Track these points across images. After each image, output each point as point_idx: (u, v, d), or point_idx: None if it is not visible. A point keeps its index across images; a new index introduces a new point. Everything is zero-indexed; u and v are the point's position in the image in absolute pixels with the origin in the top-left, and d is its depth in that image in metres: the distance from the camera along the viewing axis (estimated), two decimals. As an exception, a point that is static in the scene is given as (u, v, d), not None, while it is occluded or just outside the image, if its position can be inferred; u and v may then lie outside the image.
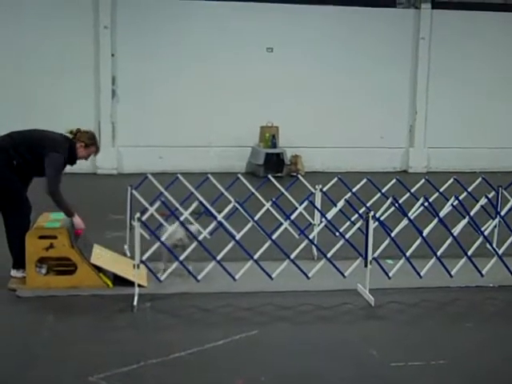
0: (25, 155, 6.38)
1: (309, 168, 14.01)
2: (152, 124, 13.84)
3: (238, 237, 6.38)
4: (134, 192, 7.37)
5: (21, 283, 6.29)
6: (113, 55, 13.64)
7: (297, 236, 7.00)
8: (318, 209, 7.15)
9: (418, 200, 7.36)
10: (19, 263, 6.38)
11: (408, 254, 6.49)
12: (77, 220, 6.46)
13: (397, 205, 6.87)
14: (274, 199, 6.74)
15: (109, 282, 6.32)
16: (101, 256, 6.60)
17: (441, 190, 7.89)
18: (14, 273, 6.45)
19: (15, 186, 6.44)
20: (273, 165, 13.57)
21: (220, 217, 6.57)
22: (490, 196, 7.29)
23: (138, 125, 13.87)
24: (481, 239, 6.72)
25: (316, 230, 7.05)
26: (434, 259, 6.52)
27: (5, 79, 13.22)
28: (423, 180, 8.00)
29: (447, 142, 14.82)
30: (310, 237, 6.65)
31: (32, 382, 4.52)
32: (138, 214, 5.98)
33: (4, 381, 4.53)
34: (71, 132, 6.64)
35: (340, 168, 13.37)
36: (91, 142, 6.70)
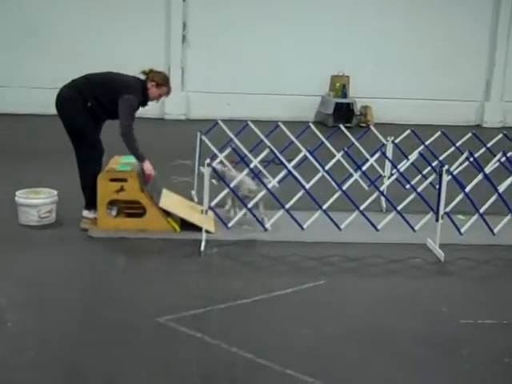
0: (99, 97, 6.41)
1: (378, 119, 13.74)
2: (221, 70, 13.78)
3: (307, 186, 6.30)
4: (204, 138, 7.35)
5: (92, 224, 6.40)
6: (184, 0, 13.54)
7: (366, 188, 6.89)
8: (390, 160, 6.99)
9: (493, 155, 7.10)
10: (91, 204, 6.48)
11: (482, 210, 6.29)
12: (147, 165, 6.49)
13: (472, 159, 6.63)
14: (346, 149, 6.59)
15: (176, 227, 6.37)
16: (169, 200, 6.64)
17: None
18: (86, 213, 6.56)
19: (89, 128, 6.50)
20: (342, 115, 13.36)
21: (290, 165, 6.48)
22: None
23: (207, 71, 13.83)
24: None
25: (387, 181, 6.90)
26: (509, 216, 6.31)
27: (76, 24, 13.33)
28: (501, 135, 7.71)
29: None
30: (381, 189, 6.51)
31: (102, 322, 4.61)
32: (207, 160, 5.97)
33: (76, 320, 4.64)
34: (144, 72, 6.64)
35: (410, 120, 13.02)
36: (163, 82, 6.67)
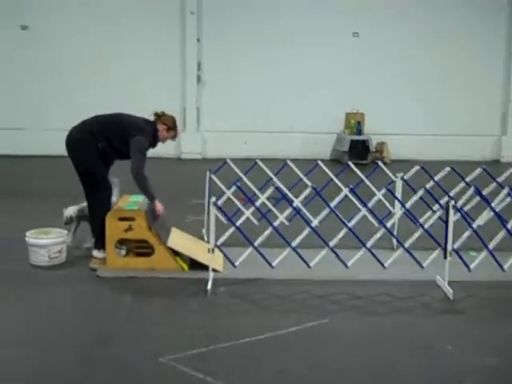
0: (110, 139, 6.53)
1: (395, 156, 13.73)
2: (236, 109, 13.92)
3: (313, 223, 6.31)
4: (213, 176, 7.42)
5: (101, 263, 6.46)
6: (198, 40, 13.78)
7: (376, 225, 6.87)
8: (396, 197, 6.98)
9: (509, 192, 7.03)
10: (100, 244, 6.55)
11: (491, 246, 6.24)
12: (157, 205, 6.56)
13: (479, 194, 6.59)
14: (351, 186, 6.61)
15: (184, 266, 6.40)
16: (178, 239, 6.69)
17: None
18: (95, 253, 6.63)
19: (99, 169, 6.61)
20: (358, 152, 13.39)
21: (297, 202, 6.50)
22: None
23: (223, 110, 13.98)
24: None
25: (394, 218, 6.88)
26: (518, 253, 6.25)
27: (93, 65, 13.58)
28: (511, 169, 7.66)
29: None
30: (388, 225, 6.50)
31: (105, 360, 4.63)
32: (213, 199, 6.02)
33: (80, 356, 4.67)
34: (156, 113, 6.77)
35: (427, 156, 12.96)
36: (173, 126, 6.82)
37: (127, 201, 6.74)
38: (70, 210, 6.87)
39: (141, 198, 6.71)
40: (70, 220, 6.86)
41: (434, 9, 14.01)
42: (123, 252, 6.44)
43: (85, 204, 6.81)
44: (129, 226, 6.32)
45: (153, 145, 6.76)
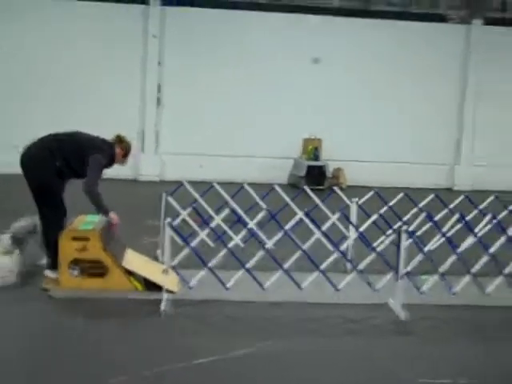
0: (68, 157, 6.51)
1: (352, 182, 13.91)
2: (195, 133, 13.99)
3: (268, 245, 6.35)
4: (169, 198, 7.42)
5: (54, 283, 6.37)
6: (159, 63, 13.84)
7: (331, 248, 6.94)
8: (350, 221, 7.08)
9: (460, 217, 7.20)
10: (54, 264, 6.47)
11: (442, 269, 6.35)
12: (113, 215, 6.57)
13: (431, 220, 6.73)
14: (306, 210, 6.69)
15: (139, 286, 6.36)
16: (133, 260, 6.65)
17: (480, 207, 7.73)
18: (48, 273, 6.55)
19: (55, 188, 6.57)
20: (314, 177, 13.56)
21: (252, 224, 6.54)
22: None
23: (182, 133, 14.01)
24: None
25: (347, 242, 6.97)
26: (468, 276, 6.37)
27: (53, 83, 13.51)
28: (462, 197, 7.85)
29: (495, 160, 14.51)
30: (342, 249, 6.57)
31: (55, 380, 4.56)
32: (168, 219, 6.02)
33: (30, 376, 4.59)
34: (118, 137, 6.81)
35: (383, 183, 13.12)
36: (128, 152, 6.86)
37: (82, 221, 6.69)
38: (4, 241, 6.57)
39: (97, 218, 6.67)
40: (6, 252, 6.53)
41: (393, 39, 14.34)
42: (76, 272, 6.37)
43: (20, 224, 6.69)
44: (83, 246, 6.26)
45: (108, 165, 6.76)
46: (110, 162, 6.77)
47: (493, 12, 14.74)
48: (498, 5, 14.78)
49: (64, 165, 6.51)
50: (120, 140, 6.83)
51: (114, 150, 6.76)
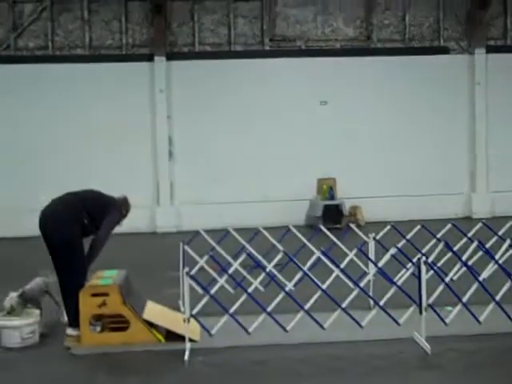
0: (94, 214, 6.60)
1: (370, 218, 13.86)
2: (209, 181, 14.07)
3: (287, 288, 6.32)
4: (186, 247, 7.43)
5: (76, 341, 6.36)
6: (169, 117, 14.02)
7: (351, 286, 6.89)
8: (367, 257, 7.04)
9: (479, 245, 7.13)
10: (74, 321, 6.46)
11: (465, 299, 6.27)
12: None
13: (449, 249, 6.68)
14: (323, 249, 6.67)
15: (161, 338, 6.33)
16: (153, 311, 6.64)
17: (500, 233, 7.66)
18: (69, 331, 6.54)
19: (81, 246, 6.64)
20: (331, 216, 13.53)
21: (270, 267, 6.53)
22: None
23: (195, 183, 14.11)
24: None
25: (367, 278, 6.92)
26: (492, 304, 6.28)
27: (67, 143, 13.73)
28: (480, 224, 7.79)
29: (510, 185, 14.43)
30: (362, 285, 6.52)
31: None
32: (186, 269, 6.02)
33: None
34: (125, 198, 6.97)
35: (401, 217, 13.04)
36: (128, 213, 7.07)
37: (101, 276, 6.70)
38: (11, 299, 6.59)
39: (115, 273, 6.69)
40: (11, 309, 6.53)
41: (398, 75, 14.46)
42: (98, 328, 6.36)
43: (28, 287, 6.73)
44: (103, 302, 6.26)
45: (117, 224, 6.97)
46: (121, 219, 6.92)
47: (494, 40, 14.82)
48: (499, 33, 14.86)
49: (90, 222, 6.59)
50: (126, 202, 7.01)
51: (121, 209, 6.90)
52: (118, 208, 6.81)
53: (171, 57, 14.12)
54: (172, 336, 6.34)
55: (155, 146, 14.06)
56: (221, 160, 14.15)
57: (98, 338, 6.30)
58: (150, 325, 6.37)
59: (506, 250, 7.03)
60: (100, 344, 6.23)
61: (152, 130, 14.04)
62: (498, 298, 6.27)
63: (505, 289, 6.31)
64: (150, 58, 14.07)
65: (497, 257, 6.81)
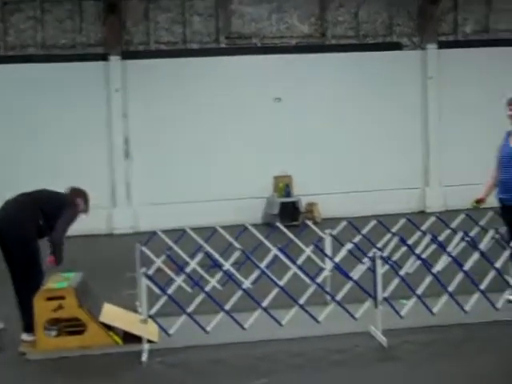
0: (48, 215, 6.50)
1: (326, 215, 13.95)
2: (166, 182, 13.97)
3: (245, 286, 6.34)
4: (143, 248, 7.39)
5: (31, 346, 6.28)
6: (124, 116, 13.91)
7: (308, 281, 6.94)
8: (324, 252, 7.10)
9: (433, 238, 7.25)
10: (30, 326, 6.36)
11: (419, 292, 6.37)
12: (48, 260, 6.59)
13: (404, 243, 6.78)
14: (279, 246, 6.71)
15: (118, 340, 6.29)
16: (110, 314, 6.59)
17: (452, 226, 7.80)
18: (25, 336, 6.44)
19: (37, 248, 6.52)
20: (288, 214, 13.58)
21: (227, 266, 6.54)
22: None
23: (152, 183, 14.00)
24: (493, 273, 6.57)
25: (323, 273, 6.98)
26: (446, 296, 6.40)
27: (21, 143, 13.51)
28: (433, 218, 7.92)
29: (463, 179, 14.66)
30: (318, 281, 6.58)
31: None
32: (143, 269, 6.00)
33: None
34: (74, 189, 6.86)
35: (357, 212, 13.18)
36: (88, 199, 6.92)
37: (57, 279, 6.62)
38: None
39: (71, 275, 6.62)
40: None
41: (352, 71, 14.58)
42: (53, 332, 6.28)
43: None
44: (59, 305, 6.19)
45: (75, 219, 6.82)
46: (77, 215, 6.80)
47: (445, 35, 15.06)
48: (450, 29, 15.10)
49: (45, 223, 6.50)
50: (79, 191, 6.87)
51: (75, 201, 6.79)
52: (73, 205, 6.70)
53: (126, 56, 13.98)
54: (130, 338, 6.30)
55: (111, 146, 13.91)
56: (178, 159, 14.07)
57: (54, 342, 6.23)
58: (107, 327, 6.33)
59: (458, 243, 7.16)
60: (56, 348, 6.17)
61: (108, 130, 13.88)
62: (450, 289, 6.39)
63: (457, 280, 6.43)
64: (104, 57, 13.90)
65: (449, 249, 6.93)
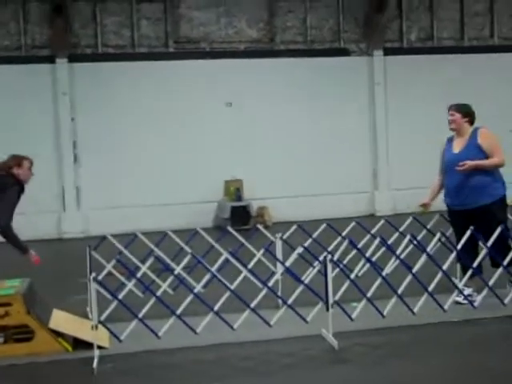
0: None
1: (277, 219, 14.05)
2: (116, 185, 13.88)
3: (196, 289, 6.33)
4: (93, 253, 7.31)
5: (-22, 355, 6.13)
6: (73, 119, 13.73)
7: (260, 285, 6.97)
8: (275, 256, 7.15)
9: (381, 241, 7.36)
10: (-24, 334, 6.23)
11: (369, 294, 6.47)
12: (33, 256, 6.54)
13: (354, 246, 6.87)
14: (230, 249, 6.73)
15: (68, 347, 6.20)
16: (59, 320, 6.49)
17: (401, 229, 7.95)
18: (-29, 345, 6.29)
19: None
20: (239, 218, 13.63)
21: (178, 270, 6.52)
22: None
23: (103, 187, 13.87)
24: (440, 275, 6.71)
25: (275, 277, 7.02)
26: (395, 298, 6.51)
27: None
28: (382, 221, 8.05)
29: (411, 183, 14.94)
30: (270, 284, 6.62)
31: None
32: (93, 274, 5.93)
33: None
34: (14, 157, 6.74)
35: (307, 216, 13.32)
36: (31, 163, 6.83)
37: (3, 286, 6.49)
38: None
39: (17, 282, 6.50)
40: None
41: (300, 77, 14.72)
42: (1, 339, 6.16)
43: None
44: (5, 312, 6.07)
45: (22, 190, 6.65)
46: (22, 186, 6.64)
47: (391, 42, 15.35)
48: (396, 36, 15.40)
49: None
50: (17, 161, 6.71)
51: (15, 174, 6.62)
52: (12, 184, 6.52)
53: (73, 58, 13.83)
54: (80, 344, 6.22)
55: (60, 150, 13.74)
56: (127, 163, 13.99)
57: (2, 349, 6.09)
58: (57, 334, 6.23)
59: (407, 246, 7.30)
60: (4, 356, 6.03)
61: (55, 134, 13.72)
62: (400, 291, 6.50)
63: (406, 282, 6.55)
64: (51, 59, 13.72)
65: (398, 252, 7.06)
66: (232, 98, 14.53)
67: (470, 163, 6.92)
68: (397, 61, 15.10)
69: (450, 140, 7.38)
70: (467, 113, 7.22)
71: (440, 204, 7.49)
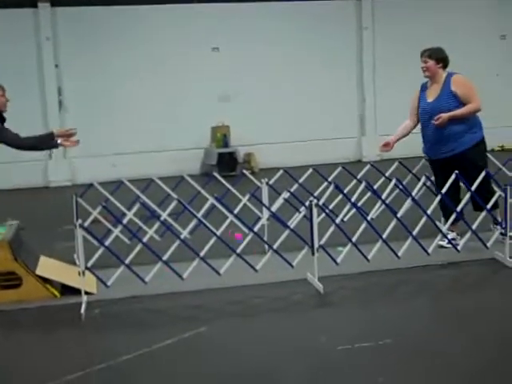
0: None
1: (264, 165, 14.05)
2: (103, 133, 13.76)
3: (183, 235, 6.36)
4: (80, 200, 7.31)
5: (-34, 301, 6.18)
6: (56, 66, 13.53)
7: (246, 231, 7.01)
8: (260, 201, 7.17)
9: (366, 186, 7.39)
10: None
11: (354, 239, 6.52)
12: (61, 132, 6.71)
13: (339, 191, 6.90)
14: (216, 195, 6.74)
15: (56, 293, 6.25)
16: (47, 266, 6.52)
17: (386, 174, 7.96)
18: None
19: None
20: (226, 164, 13.62)
21: (164, 216, 6.54)
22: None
23: (89, 134, 13.60)
24: (425, 219, 6.76)
25: (260, 222, 7.05)
26: (380, 242, 6.56)
27: None
28: (368, 166, 8.06)
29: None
30: (256, 230, 6.65)
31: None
32: (79, 221, 5.94)
33: None
34: None
35: (294, 162, 13.27)
36: (4, 90, 6.75)
37: (-10, 233, 6.50)
38: None
39: (4, 229, 6.50)
40: None
41: (288, 21, 14.50)
42: (-11, 286, 6.20)
43: None
44: (-8, 259, 6.09)
45: (3, 119, 6.65)
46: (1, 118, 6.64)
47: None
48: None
49: None
50: None
51: None
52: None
53: (56, 3, 13.53)
54: (68, 290, 6.27)
55: (44, 97, 13.55)
56: (113, 110, 13.85)
57: (-11, 296, 6.14)
58: (44, 280, 6.27)
59: (392, 190, 7.33)
60: (-8, 302, 6.08)
61: (40, 80, 13.51)
62: (384, 236, 6.55)
63: (391, 227, 6.60)
64: (33, 3, 13.42)
65: (384, 197, 7.08)
66: (220, 44, 14.34)
67: (444, 116, 6.90)
68: (385, 3, 14.89)
69: (425, 87, 7.34)
70: (441, 58, 7.15)
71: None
